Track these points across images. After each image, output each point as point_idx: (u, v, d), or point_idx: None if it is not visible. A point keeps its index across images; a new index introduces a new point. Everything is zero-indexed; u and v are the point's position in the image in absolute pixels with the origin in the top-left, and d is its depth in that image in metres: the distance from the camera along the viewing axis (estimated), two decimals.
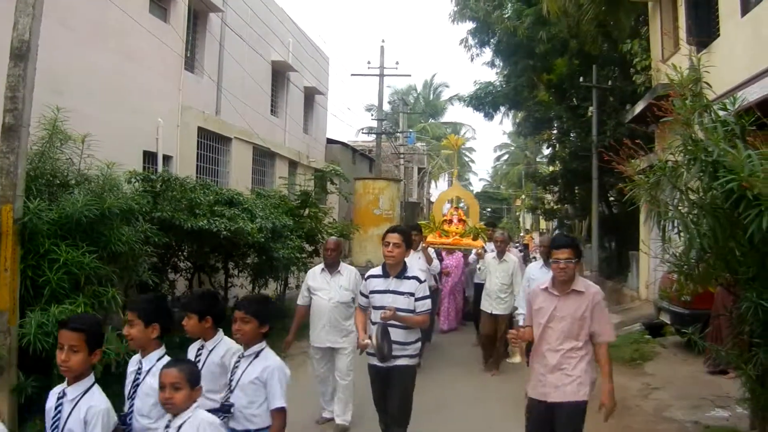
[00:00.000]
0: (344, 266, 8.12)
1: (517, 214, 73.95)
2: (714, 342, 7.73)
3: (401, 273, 6.22)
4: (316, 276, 8.07)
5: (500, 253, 11.22)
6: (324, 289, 7.91)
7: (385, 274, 6.25)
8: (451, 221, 13.82)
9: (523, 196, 58.78)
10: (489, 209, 72.46)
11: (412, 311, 6.11)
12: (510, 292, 10.99)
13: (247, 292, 13.85)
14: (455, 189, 16.70)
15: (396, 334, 6.06)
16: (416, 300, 6.14)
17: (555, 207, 31.35)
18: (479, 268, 12.00)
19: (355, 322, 6.83)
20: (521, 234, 59.04)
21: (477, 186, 79.58)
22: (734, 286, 5.76)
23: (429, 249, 11.79)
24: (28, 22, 6.64)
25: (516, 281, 10.93)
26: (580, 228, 23.24)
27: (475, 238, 13.44)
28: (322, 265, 8.16)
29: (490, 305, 11.13)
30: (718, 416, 8.02)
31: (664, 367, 10.87)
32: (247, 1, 18.39)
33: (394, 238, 6.16)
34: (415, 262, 9.79)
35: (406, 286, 6.17)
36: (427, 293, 6.35)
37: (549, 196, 33.15)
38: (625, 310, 16.85)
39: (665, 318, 12.04)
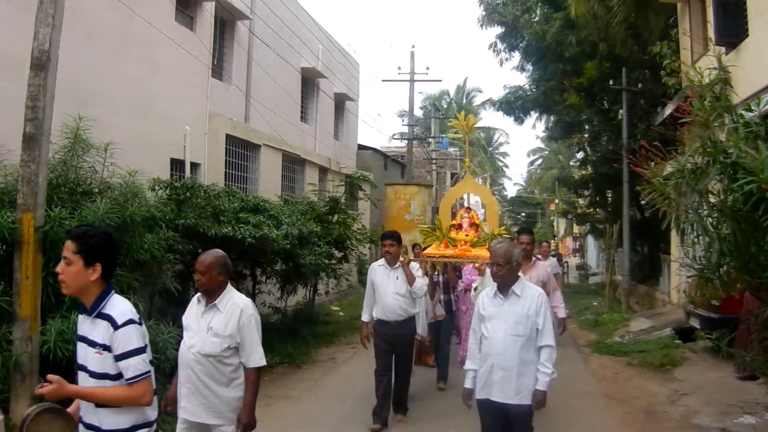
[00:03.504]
0: (230, 297, 4.90)
1: (551, 218, 73.50)
2: (743, 347, 7.60)
3: (94, 307, 3.58)
4: (191, 307, 5.10)
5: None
6: (191, 329, 4.95)
7: (84, 311, 3.70)
8: (460, 226, 10.20)
9: (557, 201, 58.17)
10: (523, 214, 72.17)
11: (113, 377, 3.54)
12: None
13: (276, 298, 13.97)
14: (467, 184, 11.93)
15: (91, 415, 3.57)
16: (117, 358, 3.51)
17: (587, 211, 31.15)
18: (475, 288, 8.59)
19: None
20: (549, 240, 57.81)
21: (511, 191, 79.39)
22: (759, 290, 5.65)
23: (412, 264, 8.73)
24: (48, 32, 6.72)
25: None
26: (611, 232, 22.94)
27: None
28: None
29: None
30: (746, 423, 7.93)
31: (694, 372, 10.75)
32: (275, 8, 18.49)
33: (68, 249, 3.56)
34: (391, 284, 8.35)
35: (98, 332, 3.56)
36: (139, 345, 3.56)
37: (581, 201, 32.92)
38: (656, 314, 16.72)
39: (695, 322, 11.92)
